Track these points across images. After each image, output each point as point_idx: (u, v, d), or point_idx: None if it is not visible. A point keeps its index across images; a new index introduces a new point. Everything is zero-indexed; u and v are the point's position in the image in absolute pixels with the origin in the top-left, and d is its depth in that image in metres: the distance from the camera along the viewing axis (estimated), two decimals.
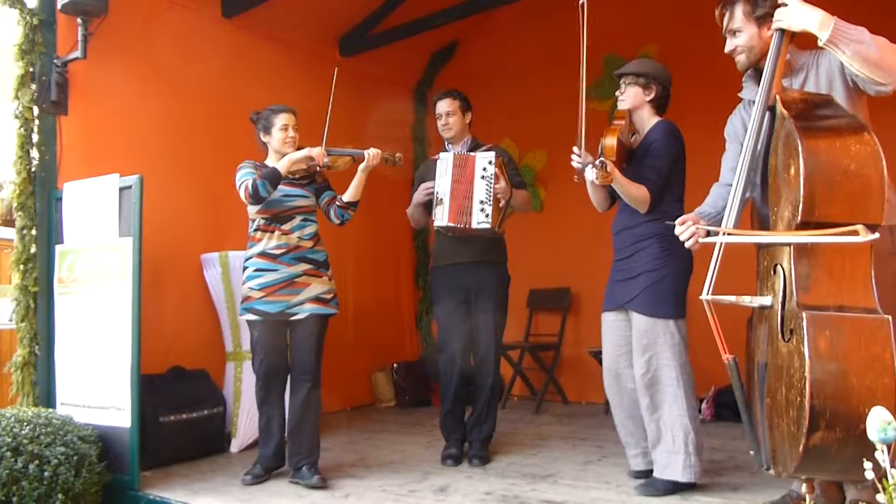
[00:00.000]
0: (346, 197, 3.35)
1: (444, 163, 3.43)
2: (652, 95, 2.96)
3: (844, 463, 1.74)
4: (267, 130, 3.30)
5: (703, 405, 4.50)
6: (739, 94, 2.50)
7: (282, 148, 3.28)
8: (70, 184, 3.48)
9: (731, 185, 2.24)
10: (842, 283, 1.93)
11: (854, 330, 1.83)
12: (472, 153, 3.45)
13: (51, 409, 3.23)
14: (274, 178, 3.14)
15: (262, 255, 3.22)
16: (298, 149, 3.30)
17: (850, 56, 2.04)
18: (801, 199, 1.90)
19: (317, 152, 3.25)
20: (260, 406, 3.30)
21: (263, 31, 4.68)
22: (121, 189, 3.29)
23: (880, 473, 1.28)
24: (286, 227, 3.24)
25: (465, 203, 3.35)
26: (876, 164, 1.90)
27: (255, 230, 3.27)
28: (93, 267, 3.35)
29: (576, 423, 4.45)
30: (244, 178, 3.17)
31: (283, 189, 3.23)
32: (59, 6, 3.53)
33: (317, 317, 3.25)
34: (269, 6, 4.41)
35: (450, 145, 3.64)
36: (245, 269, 3.29)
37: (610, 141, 2.76)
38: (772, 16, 2.21)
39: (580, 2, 2.58)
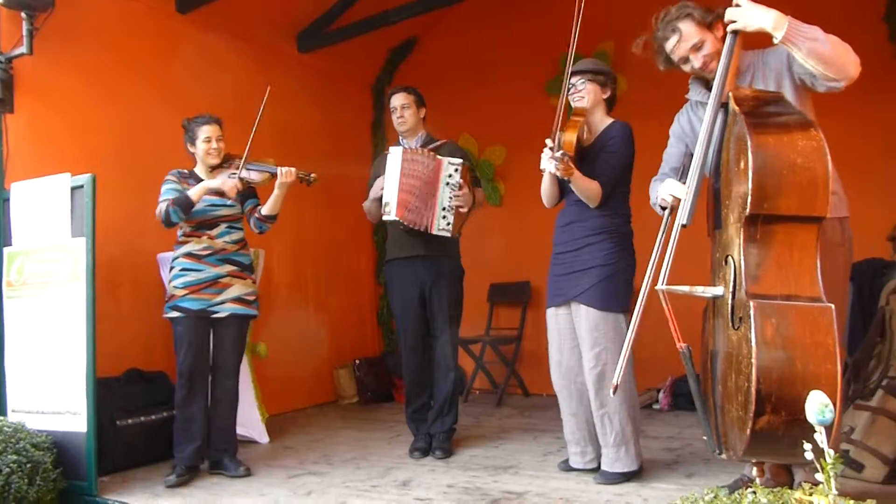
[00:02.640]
0: (265, 210, 3.42)
1: (394, 157, 3.45)
2: (608, 94, 3.05)
3: (790, 446, 1.80)
4: (192, 141, 3.39)
5: (661, 395, 4.61)
6: (687, 96, 2.58)
7: (206, 160, 3.38)
8: (17, 184, 3.39)
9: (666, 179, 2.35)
10: (789, 273, 2.00)
11: (799, 318, 1.90)
12: (424, 148, 3.49)
13: (1, 417, 3.15)
14: (186, 205, 3.23)
15: (188, 255, 3.31)
16: (227, 156, 3.39)
17: (806, 53, 2.11)
18: (750, 192, 1.96)
19: (229, 186, 3.29)
20: (181, 405, 3.30)
21: (219, 27, 4.61)
22: (72, 189, 3.22)
23: (820, 454, 1.34)
24: (212, 232, 3.35)
25: (415, 201, 3.38)
26: (821, 158, 1.97)
27: (183, 234, 3.36)
28: (44, 269, 3.26)
29: (536, 416, 4.50)
30: (164, 196, 3.27)
31: (207, 199, 3.32)
32: (1, 0, 3.43)
33: (238, 317, 3.37)
34: (226, 1, 4.35)
35: (404, 140, 3.66)
36: (171, 269, 3.36)
37: (570, 136, 2.82)
38: (719, 16, 2.28)
39: None
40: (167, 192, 3.29)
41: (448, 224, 3.40)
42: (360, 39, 5.19)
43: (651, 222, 2.50)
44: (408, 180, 3.40)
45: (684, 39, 2.35)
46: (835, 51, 2.11)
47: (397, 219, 3.40)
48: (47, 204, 3.27)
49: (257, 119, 3.26)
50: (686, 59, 2.40)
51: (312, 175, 3.43)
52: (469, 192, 3.45)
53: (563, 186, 3.03)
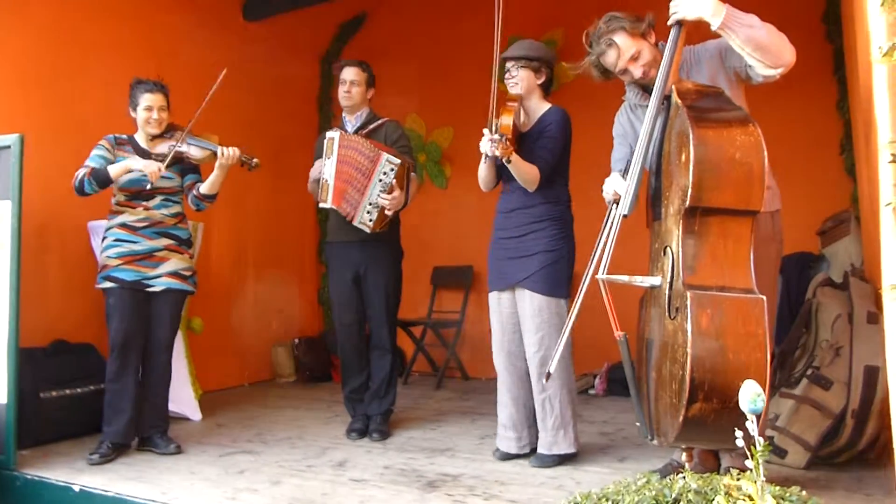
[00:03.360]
0: (203, 189, 3.31)
1: (331, 143, 3.38)
2: (542, 79, 3.03)
3: (719, 433, 1.86)
4: (133, 107, 3.26)
5: (597, 380, 4.70)
6: (623, 98, 2.60)
7: (144, 128, 3.26)
8: None
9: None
10: (724, 265, 2.06)
11: (732, 309, 1.96)
12: (365, 126, 3.44)
13: None
14: (103, 180, 3.13)
15: (123, 226, 3.21)
16: (170, 126, 3.28)
17: (743, 40, 2.16)
18: (690, 185, 2.00)
19: (151, 171, 3.11)
20: (113, 378, 3.20)
21: None
22: None
23: (750, 441, 1.38)
24: (148, 203, 3.24)
25: (351, 191, 3.33)
26: (758, 154, 2.03)
27: (117, 203, 3.25)
28: None
29: (475, 399, 4.53)
30: (89, 161, 3.16)
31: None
32: None
33: (174, 292, 3.29)
34: None
35: (346, 116, 3.59)
36: (104, 238, 3.25)
37: (506, 120, 2.82)
38: (650, 24, 2.33)
39: None
40: (93, 158, 3.18)
41: (370, 220, 3.35)
42: (309, 11, 5.08)
43: (590, 209, 2.54)
44: (343, 168, 3.34)
45: (622, 52, 2.37)
46: (771, 37, 2.16)
47: (334, 207, 3.36)
48: None
49: (207, 98, 3.14)
50: (625, 71, 2.41)
51: (255, 160, 3.32)
52: (401, 194, 3.36)
53: (500, 171, 3.04)
